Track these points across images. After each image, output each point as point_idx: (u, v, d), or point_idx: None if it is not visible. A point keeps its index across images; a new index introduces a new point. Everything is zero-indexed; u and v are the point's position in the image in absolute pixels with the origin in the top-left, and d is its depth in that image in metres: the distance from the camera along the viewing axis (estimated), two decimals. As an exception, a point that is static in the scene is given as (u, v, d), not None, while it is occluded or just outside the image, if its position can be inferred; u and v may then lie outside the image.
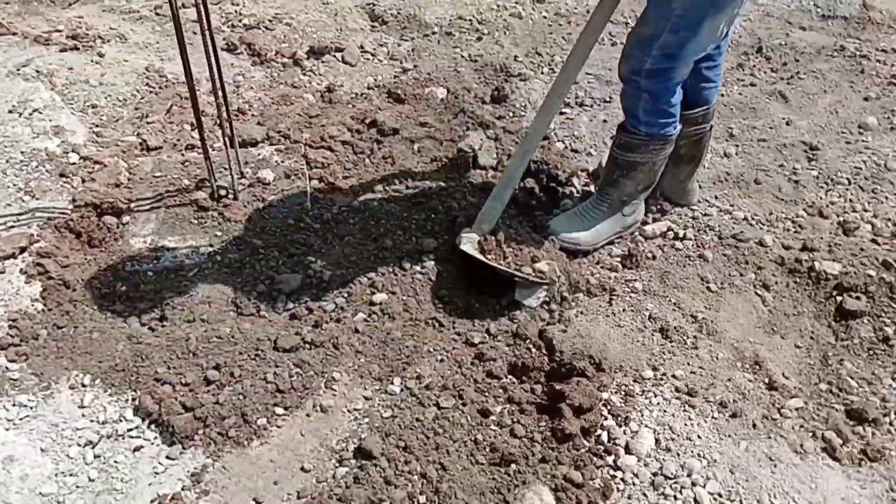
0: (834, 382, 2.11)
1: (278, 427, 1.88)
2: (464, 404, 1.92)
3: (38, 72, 2.96)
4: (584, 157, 2.87)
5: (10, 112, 2.75)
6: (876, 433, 1.98)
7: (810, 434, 1.97)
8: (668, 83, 2.21)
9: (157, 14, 3.48)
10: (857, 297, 2.30)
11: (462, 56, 3.35)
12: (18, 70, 2.96)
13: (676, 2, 2.02)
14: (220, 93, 2.37)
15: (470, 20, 3.54)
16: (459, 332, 2.14)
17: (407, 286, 2.25)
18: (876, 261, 2.41)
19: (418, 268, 2.30)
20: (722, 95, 3.19)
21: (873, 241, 2.52)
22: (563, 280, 2.26)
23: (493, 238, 2.27)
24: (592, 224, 2.44)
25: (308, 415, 1.92)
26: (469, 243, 2.23)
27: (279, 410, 1.90)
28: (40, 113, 2.78)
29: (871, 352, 2.19)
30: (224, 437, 1.82)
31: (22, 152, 2.62)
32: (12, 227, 2.37)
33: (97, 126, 2.82)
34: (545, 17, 3.64)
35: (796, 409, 2.03)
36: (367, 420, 1.90)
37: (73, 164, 2.63)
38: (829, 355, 2.19)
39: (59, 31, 3.26)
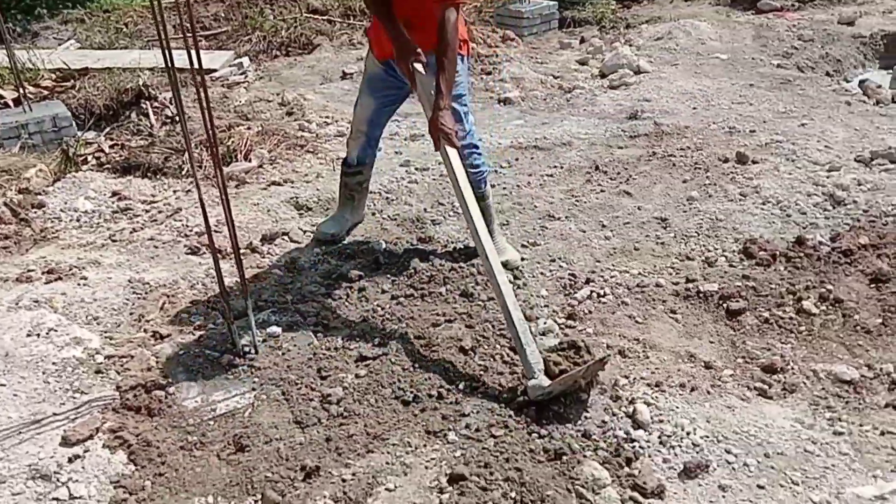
0: (745, 355, 2.93)
1: (382, 487, 2.35)
2: (510, 431, 2.51)
3: (36, 301, 3.35)
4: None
5: (28, 335, 3.12)
6: (785, 376, 2.79)
7: (746, 387, 2.74)
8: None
9: (113, 241, 4.00)
10: (737, 301, 3.20)
11: (384, 217, 4.15)
12: (17, 304, 3.34)
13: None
14: (240, 264, 2.94)
15: (378, 191, 4.38)
16: (473, 391, 2.74)
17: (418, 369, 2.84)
18: (738, 276, 3.36)
19: (419, 349, 2.91)
20: (585, 202, 4.19)
21: (731, 266, 3.48)
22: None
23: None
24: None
25: (397, 475, 2.41)
26: (540, 388, 2.56)
27: (380, 479, 2.38)
28: (55, 331, 3.16)
29: (759, 330, 3.05)
30: (347, 500, 2.27)
31: (54, 363, 2.98)
32: (77, 418, 2.72)
33: (106, 332, 3.23)
34: (435, 180, 4.56)
35: (730, 376, 2.81)
36: (444, 461, 2.43)
37: (102, 362, 3.02)
38: (734, 341, 3.02)
39: (33, 270, 3.67)
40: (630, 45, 7.04)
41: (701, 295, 3.27)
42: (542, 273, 3.55)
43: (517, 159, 4.74)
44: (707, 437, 2.49)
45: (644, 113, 5.27)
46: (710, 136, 4.80)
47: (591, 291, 3.36)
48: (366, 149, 3.72)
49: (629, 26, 7.88)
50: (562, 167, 4.63)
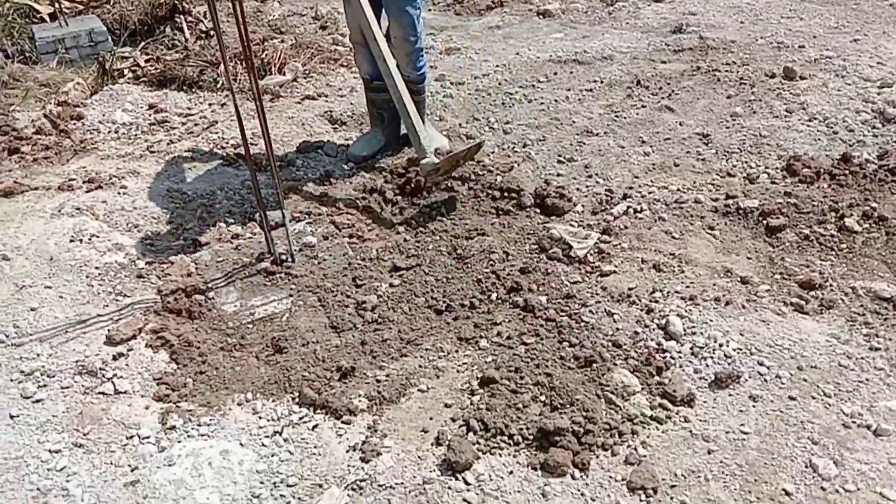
0: (783, 271, 2.88)
1: (415, 389, 2.40)
2: (541, 339, 2.53)
3: (77, 209, 3.42)
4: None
5: (71, 241, 3.19)
6: (823, 293, 2.75)
7: (782, 303, 2.71)
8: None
9: (151, 152, 4.03)
10: (777, 217, 3.13)
11: (418, 132, 4.10)
12: (59, 211, 3.41)
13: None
14: (277, 175, 2.95)
15: (413, 106, 4.32)
16: (504, 302, 2.76)
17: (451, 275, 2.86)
18: (779, 193, 3.28)
19: (452, 262, 2.93)
20: (625, 118, 4.09)
21: (773, 182, 3.40)
22: None
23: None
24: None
25: (430, 378, 2.46)
26: (431, 164, 3.31)
27: (413, 380, 2.43)
28: (98, 237, 3.24)
29: (799, 247, 3.00)
30: (381, 400, 2.33)
31: (97, 267, 3.06)
32: (119, 319, 2.80)
33: (146, 240, 3.30)
34: (470, 94, 4.48)
35: (766, 291, 2.77)
36: (476, 366, 2.46)
37: (143, 267, 3.09)
38: (772, 257, 2.97)
39: (74, 179, 3.73)
40: (677, -43, 6.72)
41: (741, 211, 3.21)
42: (577, 189, 3.50)
43: (556, 73, 4.63)
44: (740, 349, 2.49)
45: (689, 27, 5.08)
46: (757, 51, 4.61)
47: (628, 207, 3.32)
48: (373, 61, 3.68)
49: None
50: (602, 82, 4.51)
